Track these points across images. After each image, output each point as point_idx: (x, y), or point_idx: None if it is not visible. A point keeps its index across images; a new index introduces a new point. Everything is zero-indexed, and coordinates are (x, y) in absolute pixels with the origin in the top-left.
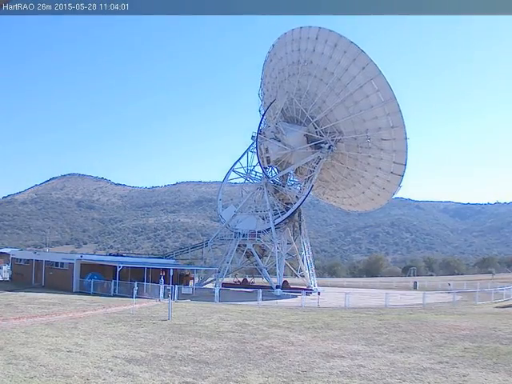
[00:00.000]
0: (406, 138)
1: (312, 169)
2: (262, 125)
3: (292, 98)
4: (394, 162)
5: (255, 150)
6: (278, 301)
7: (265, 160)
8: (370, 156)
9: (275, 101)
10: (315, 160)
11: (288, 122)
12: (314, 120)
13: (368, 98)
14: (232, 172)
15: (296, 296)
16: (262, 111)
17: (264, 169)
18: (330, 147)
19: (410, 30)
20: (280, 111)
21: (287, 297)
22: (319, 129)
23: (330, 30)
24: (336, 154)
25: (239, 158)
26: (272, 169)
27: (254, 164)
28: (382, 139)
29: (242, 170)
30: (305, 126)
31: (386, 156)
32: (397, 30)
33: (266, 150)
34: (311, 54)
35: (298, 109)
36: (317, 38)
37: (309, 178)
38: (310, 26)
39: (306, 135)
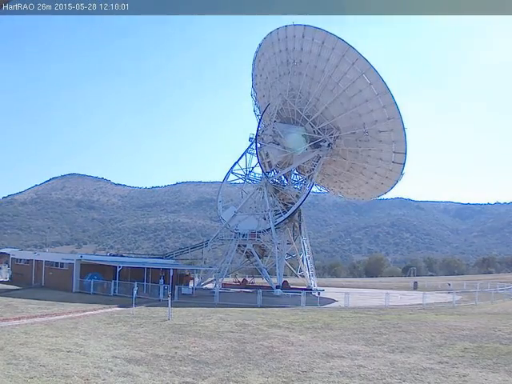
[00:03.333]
0: (404, 128)
1: (312, 167)
2: (259, 128)
3: (286, 100)
4: (394, 152)
5: (253, 152)
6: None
7: (266, 165)
8: (369, 149)
9: (269, 105)
10: (315, 158)
11: (284, 123)
12: (311, 119)
13: (361, 93)
14: (231, 174)
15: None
16: (256, 111)
17: (264, 170)
18: (329, 145)
19: (414, 30)
20: (275, 113)
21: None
22: (316, 128)
23: (316, 28)
24: (336, 149)
25: (238, 160)
26: (271, 171)
27: (252, 165)
28: (380, 131)
29: (241, 172)
30: (302, 125)
31: (386, 147)
32: (398, 30)
33: (267, 154)
34: (299, 53)
35: (293, 109)
36: (303, 36)
37: (309, 176)
38: (295, 24)
39: (304, 135)
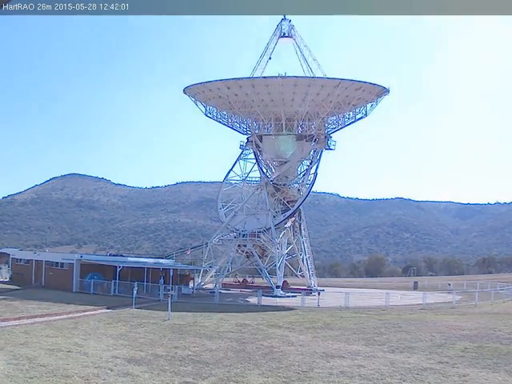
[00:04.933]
0: (374, 83)
1: (311, 159)
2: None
3: (255, 129)
4: (376, 95)
5: (246, 157)
6: (278, 300)
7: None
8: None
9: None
10: (313, 152)
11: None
12: (295, 128)
13: (319, 94)
14: (226, 181)
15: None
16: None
17: (263, 170)
18: (326, 137)
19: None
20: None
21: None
22: (306, 131)
23: (236, 78)
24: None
25: (231, 168)
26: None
27: (247, 171)
28: (358, 98)
29: (237, 178)
30: (290, 131)
31: (368, 97)
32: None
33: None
34: (236, 97)
35: (272, 129)
36: (229, 88)
37: (309, 169)
38: (212, 81)
39: (296, 137)
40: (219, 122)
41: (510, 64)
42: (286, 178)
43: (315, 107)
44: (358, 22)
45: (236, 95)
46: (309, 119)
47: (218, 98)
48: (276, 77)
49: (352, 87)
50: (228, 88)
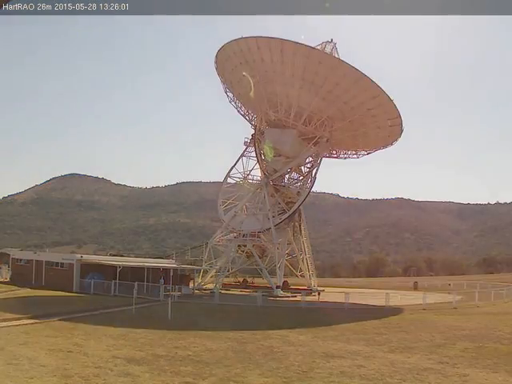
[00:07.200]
0: (391, 100)
1: (311, 164)
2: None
3: (267, 112)
4: (388, 119)
5: (249, 155)
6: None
7: (271, 173)
8: (364, 123)
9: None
10: (313, 156)
11: (276, 127)
12: (302, 121)
13: (339, 85)
14: (229, 178)
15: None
16: (242, 109)
17: (265, 173)
18: (327, 141)
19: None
20: (263, 122)
21: None
22: (310, 127)
23: (269, 37)
24: (334, 138)
25: (234, 164)
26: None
27: (249, 169)
28: (369, 109)
29: (239, 175)
30: (294, 127)
31: (380, 118)
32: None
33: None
34: (261, 64)
35: (280, 116)
36: (259, 48)
37: (309, 172)
38: (246, 37)
39: (300, 136)
40: (235, 106)
41: (507, 62)
42: (285, 178)
43: (328, 105)
44: None
45: (262, 60)
46: (318, 119)
47: (245, 64)
48: (304, 45)
49: (370, 92)
50: (258, 48)
